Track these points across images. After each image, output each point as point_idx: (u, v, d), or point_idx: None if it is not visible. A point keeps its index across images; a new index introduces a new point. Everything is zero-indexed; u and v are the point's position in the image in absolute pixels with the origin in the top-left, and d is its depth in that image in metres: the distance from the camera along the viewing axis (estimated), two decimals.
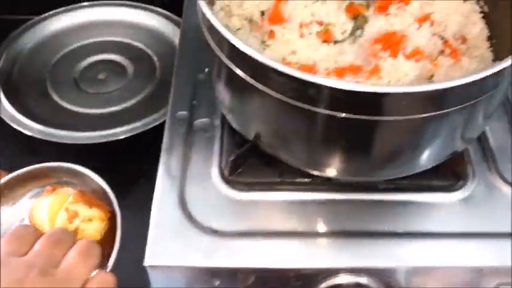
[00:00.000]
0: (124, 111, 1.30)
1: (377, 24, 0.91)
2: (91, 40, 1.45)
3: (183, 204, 0.87)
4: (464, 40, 0.93)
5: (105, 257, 0.90)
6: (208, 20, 0.72)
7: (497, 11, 0.93)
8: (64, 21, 1.45)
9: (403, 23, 0.91)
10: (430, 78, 0.87)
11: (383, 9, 0.94)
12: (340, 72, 0.84)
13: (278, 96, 0.71)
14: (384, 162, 0.85)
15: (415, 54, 0.86)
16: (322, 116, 0.72)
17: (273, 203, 0.88)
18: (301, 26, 0.90)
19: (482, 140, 0.97)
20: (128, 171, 1.25)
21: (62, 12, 1.45)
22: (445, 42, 0.90)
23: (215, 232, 0.84)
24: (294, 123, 0.76)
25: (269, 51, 0.89)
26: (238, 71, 0.73)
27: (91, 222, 0.95)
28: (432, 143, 0.83)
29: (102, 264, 0.91)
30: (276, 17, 0.91)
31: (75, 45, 1.44)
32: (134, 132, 1.22)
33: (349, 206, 0.89)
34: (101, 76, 1.38)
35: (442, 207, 0.89)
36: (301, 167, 0.86)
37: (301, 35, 0.90)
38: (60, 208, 0.96)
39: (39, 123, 1.22)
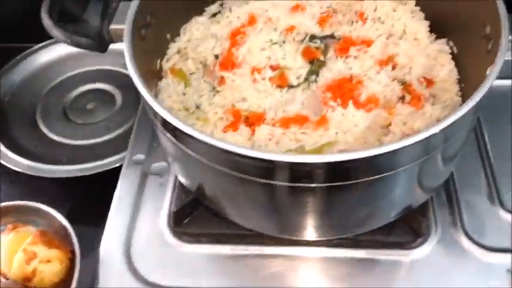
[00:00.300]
0: (108, 142, 1.30)
1: (335, 68, 0.87)
2: (82, 70, 1.46)
3: (128, 255, 0.86)
4: (430, 84, 0.87)
5: None
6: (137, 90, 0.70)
7: (466, 52, 0.87)
8: (55, 52, 1.46)
9: (363, 66, 0.87)
10: (386, 127, 0.82)
11: (344, 51, 0.89)
12: (285, 123, 0.80)
13: (205, 161, 0.68)
14: (337, 224, 0.81)
15: (370, 102, 0.82)
16: (254, 183, 0.68)
17: (220, 257, 0.85)
18: (253, 71, 0.87)
19: (449, 186, 0.90)
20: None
21: (52, 43, 1.47)
22: (406, 87, 0.84)
23: (157, 286, 0.82)
24: (226, 186, 0.74)
25: (218, 98, 0.86)
26: (169, 136, 0.71)
27: (49, 263, 0.94)
28: (392, 198, 0.78)
29: None
30: (227, 62, 0.88)
31: (66, 75, 1.45)
32: (115, 165, 1.21)
33: (301, 262, 0.85)
34: (90, 106, 1.39)
35: (402, 265, 0.83)
36: (244, 225, 0.83)
37: (254, 80, 0.87)
38: (19, 247, 0.97)
39: (22, 155, 1.24)
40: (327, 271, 0.83)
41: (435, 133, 0.63)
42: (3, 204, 1.03)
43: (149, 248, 0.86)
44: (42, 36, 1.48)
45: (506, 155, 0.92)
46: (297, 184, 0.66)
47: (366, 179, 0.67)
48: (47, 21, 0.76)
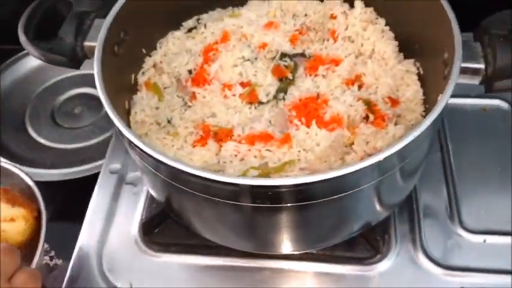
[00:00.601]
0: (93, 147, 1.33)
1: (303, 86, 0.90)
2: (72, 73, 1.48)
3: (99, 259, 0.89)
4: (395, 104, 0.90)
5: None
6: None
7: (430, 74, 0.89)
8: None
9: (330, 85, 0.89)
10: (350, 146, 0.85)
11: (313, 69, 0.92)
12: (251, 140, 0.83)
13: (167, 180, 0.72)
14: (301, 239, 0.83)
15: (333, 122, 0.84)
16: (215, 202, 0.70)
17: (189, 267, 0.88)
18: (224, 87, 0.90)
19: (411, 204, 0.93)
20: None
21: None
22: (370, 107, 0.87)
23: None
24: (190, 203, 0.77)
25: (189, 113, 0.89)
26: (135, 157, 0.74)
27: (13, 222, 0.94)
28: (352, 215, 0.81)
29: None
30: (200, 78, 0.91)
31: (57, 79, 1.48)
32: (99, 170, 1.24)
33: (271, 274, 0.88)
34: (77, 110, 1.42)
35: (362, 280, 0.86)
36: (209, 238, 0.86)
37: (225, 96, 0.89)
38: None
39: (8, 158, 1.26)
40: (295, 283, 0.86)
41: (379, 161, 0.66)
42: None
43: (120, 255, 0.90)
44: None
45: (470, 175, 0.95)
46: (250, 204, 0.69)
47: (317, 201, 0.70)
48: (22, 38, 0.79)
